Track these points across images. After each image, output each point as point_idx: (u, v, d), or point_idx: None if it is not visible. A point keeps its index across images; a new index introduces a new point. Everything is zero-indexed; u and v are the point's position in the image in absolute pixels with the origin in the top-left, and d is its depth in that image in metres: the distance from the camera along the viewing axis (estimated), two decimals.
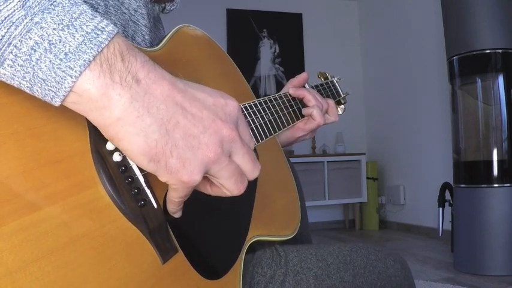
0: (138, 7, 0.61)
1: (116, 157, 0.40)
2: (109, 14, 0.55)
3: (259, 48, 4.14)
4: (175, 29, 0.61)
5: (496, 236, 2.18)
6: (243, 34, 4.06)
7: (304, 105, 0.84)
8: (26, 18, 0.31)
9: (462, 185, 2.39)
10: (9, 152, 0.34)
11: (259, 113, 0.68)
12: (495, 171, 2.27)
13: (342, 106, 1.00)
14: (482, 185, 2.27)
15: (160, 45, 0.57)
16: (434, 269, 2.40)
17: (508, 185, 2.22)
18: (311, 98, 0.82)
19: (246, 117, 0.64)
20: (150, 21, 0.64)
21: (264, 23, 4.14)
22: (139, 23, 0.61)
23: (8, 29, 0.31)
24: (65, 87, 0.32)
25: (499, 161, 2.27)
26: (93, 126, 0.39)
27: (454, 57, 2.41)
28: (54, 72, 0.32)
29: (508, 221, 2.17)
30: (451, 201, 2.58)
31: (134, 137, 0.34)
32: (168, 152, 0.35)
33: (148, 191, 0.43)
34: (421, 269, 2.39)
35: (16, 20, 0.31)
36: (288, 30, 4.20)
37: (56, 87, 0.32)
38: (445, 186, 2.66)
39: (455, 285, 2.06)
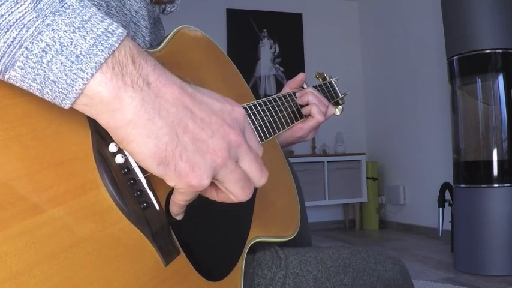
0: (139, 8, 0.61)
1: (119, 159, 0.40)
2: (110, 15, 0.55)
3: (259, 48, 4.14)
4: (175, 30, 0.61)
5: (496, 236, 2.18)
6: (243, 34, 4.06)
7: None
8: (37, 20, 0.31)
9: (462, 185, 2.39)
10: (12, 154, 0.34)
11: (259, 114, 0.68)
12: (495, 171, 2.27)
13: (340, 107, 1.00)
14: (482, 185, 2.27)
15: (161, 46, 0.57)
16: (434, 269, 2.40)
17: (508, 185, 2.22)
18: (313, 99, 0.82)
19: None
20: (151, 23, 0.64)
21: (264, 23, 4.14)
22: (140, 24, 0.61)
23: (19, 31, 0.31)
24: (76, 90, 0.32)
25: (499, 161, 2.27)
26: (95, 128, 0.39)
27: (454, 57, 2.41)
28: (65, 75, 0.32)
29: (508, 221, 2.17)
30: (451, 201, 2.58)
31: (145, 139, 0.34)
32: (178, 155, 0.35)
33: (150, 193, 0.43)
34: (421, 269, 2.40)
35: (27, 22, 0.31)
36: (288, 30, 4.20)
37: (66, 90, 0.32)
38: (445, 186, 2.66)
39: (455, 285, 2.06)
